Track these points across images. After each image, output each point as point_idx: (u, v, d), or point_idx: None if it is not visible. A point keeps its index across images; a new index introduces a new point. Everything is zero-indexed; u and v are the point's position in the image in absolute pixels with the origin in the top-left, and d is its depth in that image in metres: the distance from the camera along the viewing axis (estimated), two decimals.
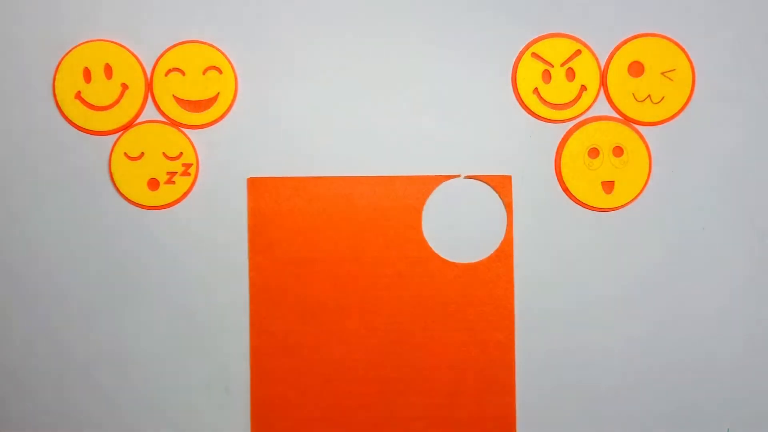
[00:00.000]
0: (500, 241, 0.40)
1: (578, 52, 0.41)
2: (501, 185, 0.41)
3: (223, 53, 0.41)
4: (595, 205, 0.41)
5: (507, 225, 0.40)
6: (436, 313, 0.40)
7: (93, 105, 0.41)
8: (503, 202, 0.41)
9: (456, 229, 0.41)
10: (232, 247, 0.41)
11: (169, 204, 0.41)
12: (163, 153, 0.41)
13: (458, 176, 0.41)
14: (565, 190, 0.41)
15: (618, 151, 0.41)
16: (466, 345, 0.40)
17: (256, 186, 0.41)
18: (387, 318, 0.40)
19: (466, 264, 0.40)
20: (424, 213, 0.41)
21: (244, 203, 0.41)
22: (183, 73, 0.41)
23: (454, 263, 0.40)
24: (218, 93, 0.41)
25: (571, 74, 0.41)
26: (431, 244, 0.41)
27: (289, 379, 0.40)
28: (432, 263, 0.40)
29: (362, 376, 0.40)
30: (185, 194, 0.41)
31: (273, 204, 0.40)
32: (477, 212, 0.41)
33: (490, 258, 0.40)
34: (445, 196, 0.41)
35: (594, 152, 0.41)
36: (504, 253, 0.40)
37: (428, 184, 0.41)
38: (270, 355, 0.40)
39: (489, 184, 0.41)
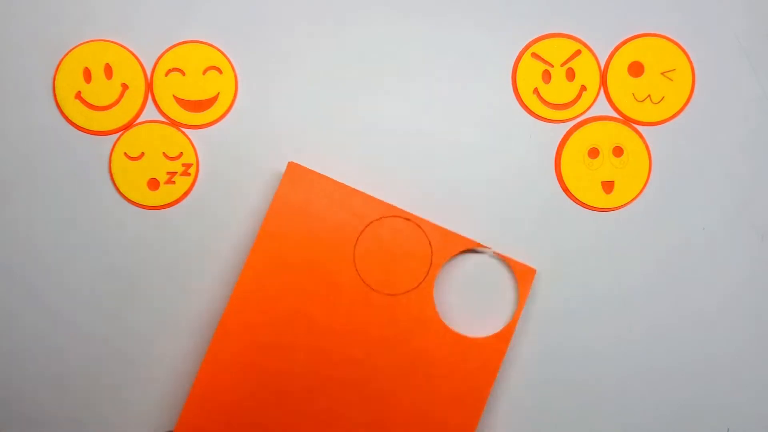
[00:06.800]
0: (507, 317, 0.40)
1: (578, 52, 0.41)
2: (523, 276, 0.39)
3: (223, 53, 0.41)
4: (595, 205, 0.41)
5: (515, 314, 0.39)
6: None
7: (93, 105, 0.41)
8: (518, 293, 0.39)
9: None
10: (231, 247, 0.41)
11: (169, 204, 0.41)
12: (163, 153, 0.41)
13: (488, 248, 0.40)
14: (565, 190, 0.41)
15: (618, 151, 0.41)
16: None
17: (294, 173, 0.39)
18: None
19: None
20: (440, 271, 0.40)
21: (243, 203, 0.41)
22: (183, 73, 0.41)
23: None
24: (218, 93, 0.41)
25: (571, 74, 0.41)
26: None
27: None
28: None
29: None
30: (185, 194, 0.41)
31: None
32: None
33: None
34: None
35: (594, 152, 0.41)
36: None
37: (455, 242, 0.39)
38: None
39: (513, 271, 0.40)
